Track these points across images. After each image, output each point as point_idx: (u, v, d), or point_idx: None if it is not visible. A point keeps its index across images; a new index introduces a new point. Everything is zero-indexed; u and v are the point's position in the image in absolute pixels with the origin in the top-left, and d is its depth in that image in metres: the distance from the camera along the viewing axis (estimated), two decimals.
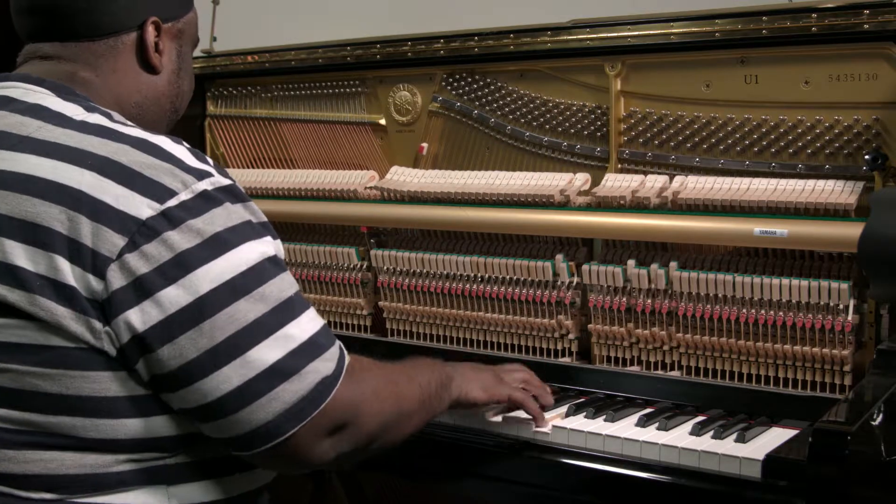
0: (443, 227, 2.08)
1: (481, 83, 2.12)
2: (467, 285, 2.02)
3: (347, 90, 2.32)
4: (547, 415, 1.67)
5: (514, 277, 1.96)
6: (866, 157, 1.68)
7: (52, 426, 1.20)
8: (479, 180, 2.04)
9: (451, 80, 2.15)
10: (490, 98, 2.11)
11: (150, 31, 1.41)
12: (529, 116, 2.06)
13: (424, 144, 2.20)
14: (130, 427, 1.22)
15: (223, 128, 2.53)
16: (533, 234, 1.97)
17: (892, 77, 1.67)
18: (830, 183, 1.70)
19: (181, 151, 1.26)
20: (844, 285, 1.64)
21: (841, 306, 1.65)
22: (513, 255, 1.99)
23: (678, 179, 1.84)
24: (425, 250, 2.09)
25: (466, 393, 1.56)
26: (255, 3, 3.09)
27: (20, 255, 1.18)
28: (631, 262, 1.84)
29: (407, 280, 2.10)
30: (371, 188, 2.18)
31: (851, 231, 1.59)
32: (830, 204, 1.68)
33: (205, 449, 1.29)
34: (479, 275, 2.01)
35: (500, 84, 2.09)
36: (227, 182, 1.26)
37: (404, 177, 2.15)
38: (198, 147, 1.30)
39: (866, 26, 1.65)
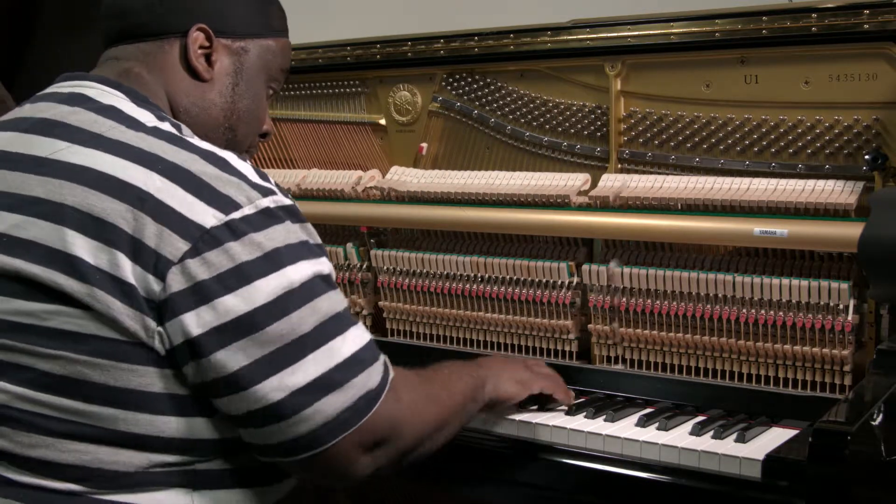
0: (443, 227, 2.08)
1: (481, 83, 2.12)
2: (467, 285, 2.02)
3: (347, 90, 2.32)
4: (545, 415, 1.68)
5: (514, 277, 1.96)
6: (866, 157, 1.68)
7: (95, 416, 1.22)
8: (479, 180, 2.04)
9: (451, 80, 2.15)
10: (490, 98, 2.11)
11: (195, 38, 1.43)
12: (529, 116, 2.06)
13: (424, 144, 2.20)
14: (169, 425, 1.24)
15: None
16: (533, 234, 1.97)
17: (892, 77, 1.67)
18: (830, 183, 1.70)
19: (247, 168, 1.30)
20: (844, 285, 1.64)
21: (841, 306, 1.65)
22: (513, 255, 1.99)
23: (678, 179, 1.84)
24: (425, 250, 2.09)
25: (499, 391, 1.59)
26: None
27: (82, 248, 1.21)
28: (613, 262, 1.84)
29: (407, 280, 2.10)
30: (371, 188, 2.19)
31: (851, 231, 1.59)
32: (830, 204, 1.68)
33: (234, 458, 1.30)
34: (480, 275, 2.01)
35: (500, 84, 2.09)
36: (288, 202, 1.30)
37: (404, 177, 2.15)
38: None
39: (866, 26, 1.65)
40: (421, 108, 2.22)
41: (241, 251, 1.22)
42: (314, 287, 1.27)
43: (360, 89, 2.30)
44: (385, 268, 2.13)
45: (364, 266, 2.20)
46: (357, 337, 1.29)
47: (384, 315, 2.17)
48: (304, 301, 1.25)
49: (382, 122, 2.28)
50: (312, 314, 1.25)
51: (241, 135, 1.52)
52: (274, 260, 1.24)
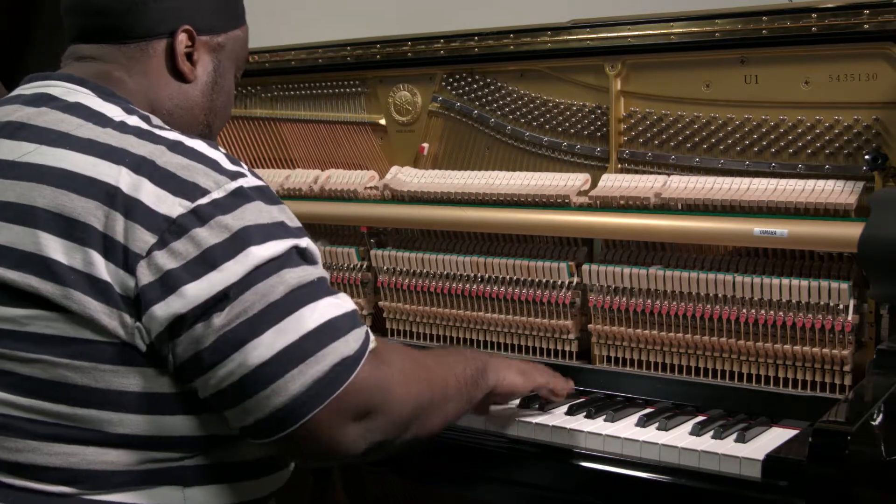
0: (443, 227, 2.08)
1: (481, 83, 2.12)
2: (467, 285, 2.02)
3: (347, 90, 2.32)
4: (545, 415, 1.68)
5: (514, 277, 1.96)
6: (866, 157, 1.68)
7: (79, 418, 1.21)
8: (479, 180, 2.04)
9: (451, 80, 2.15)
10: (490, 98, 2.11)
11: (181, 40, 1.41)
12: (529, 116, 2.06)
13: (425, 144, 2.20)
14: (154, 424, 1.23)
15: (223, 127, 2.52)
16: (533, 234, 1.97)
17: (892, 77, 1.67)
18: (830, 183, 1.70)
19: (217, 155, 1.28)
20: (844, 285, 1.64)
21: (841, 306, 1.65)
22: (513, 255, 1.99)
23: (677, 179, 1.84)
24: (425, 250, 2.09)
25: (504, 379, 1.54)
26: (256, 3, 3.09)
27: (56, 249, 1.20)
28: (629, 266, 1.84)
29: (407, 280, 2.10)
30: (371, 188, 2.19)
31: (851, 231, 1.59)
32: (830, 204, 1.68)
33: (222, 453, 1.30)
34: (479, 275, 2.01)
35: (500, 84, 2.10)
36: (259, 183, 1.28)
37: (404, 177, 2.15)
38: None
39: (866, 26, 1.65)
40: (421, 108, 2.22)
41: (208, 235, 1.20)
42: (285, 260, 1.24)
43: (360, 89, 2.30)
44: (385, 268, 2.13)
45: (364, 266, 2.20)
46: (331, 306, 1.25)
47: (384, 315, 2.17)
48: (272, 272, 1.22)
49: (382, 122, 2.28)
50: (280, 283, 1.22)
51: (214, 129, 1.51)
52: (242, 239, 1.22)
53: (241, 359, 1.20)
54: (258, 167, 2.46)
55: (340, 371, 1.23)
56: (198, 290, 1.19)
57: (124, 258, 1.19)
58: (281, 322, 1.21)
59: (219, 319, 1.20)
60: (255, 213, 1.24)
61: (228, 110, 1.53)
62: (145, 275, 1.19)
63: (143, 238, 1.19)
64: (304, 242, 1.29)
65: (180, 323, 1.20)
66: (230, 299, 1.20)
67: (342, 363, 1.23)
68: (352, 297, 2.20)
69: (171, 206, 1.20)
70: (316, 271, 1.28)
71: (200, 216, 1.21)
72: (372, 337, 1.30)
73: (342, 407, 1.23)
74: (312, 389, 1.21)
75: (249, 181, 1.27)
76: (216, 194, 1.23)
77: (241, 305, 1.20)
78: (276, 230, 1.25)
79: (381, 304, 2.16)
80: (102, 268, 1.19)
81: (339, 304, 1.27)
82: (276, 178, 2.32)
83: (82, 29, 1.41)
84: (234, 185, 1.24)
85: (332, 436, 1.23)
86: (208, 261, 1.20)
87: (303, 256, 1.27)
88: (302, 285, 1.24)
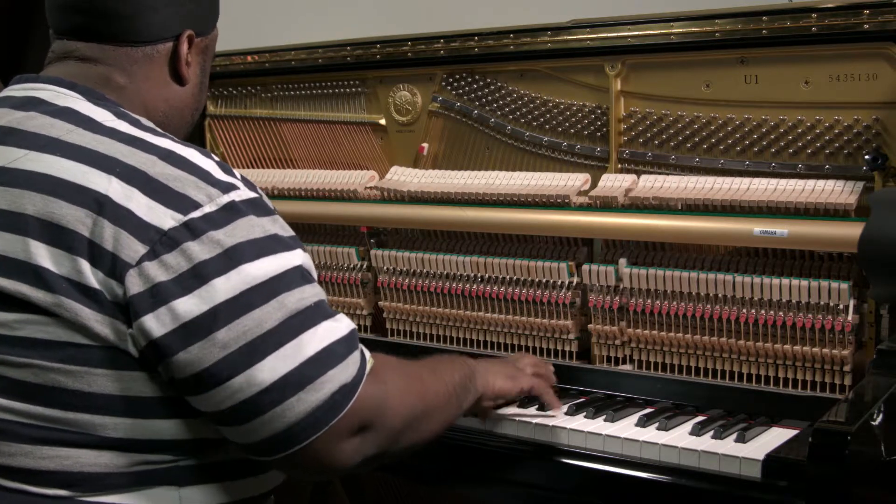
0: (443, 227, 2.09)
1: (481, 83, 2.12)
2: (467, 285, 2.02)
3: (347, 90, 2.32)
4: (545, 415, 1.68)
5: (514, 277, 1.97)
6: (866, 157, 1.68)
7: (72, 422, 1.21)
8: (479, 180, 2.04)
9: (451, 80, 2.15)
10: (490, 98, 2.11)
11: (185, 44, 1.42)
12: (529, 116, 2.06)
13: (424, 144, 2.20)
14: (148, 427, 1.23)
15: (223, 128, 2.53)
16: (533, 234, 1.97)
17: (892, 77, 1.67)
18: (830, 183, 1.70)
19: (209, 164, 1.27)
20: (844, 285, 1.64)
21: (841, 306, 1.65)
22: (513, 255, 1.99)
23: (677, 179, 1.84)
24: (425, 250, 2.09)
25: (492, 385, 1.55)
26: (255, 3, 3.10)
27: (45, 257, 1.20)
28: (623, 261, 1.84)
29: (407, 280, 2.10)
30: (371, 188, 2.19)
31: (851, 231, 1.59)
32: (830, 204, 1.68)
33: (216, 453, 1.29)
34: (479, 275, 2.01)
35: (500, 84, 2.10)
36: (252, 195, 1.27)
37: (404, 177, 2.15)
38: None
39: (866, 26, 1.65)
40: (421, 108, 2.22)
41: (200, 250, 1.20)
42: (281, 281, 1.23)
43: (360, 89, 2.30)
44: (385, 268, 2.13)
45: (364, 266, 2.20)
46: (330, 329, 1.25)
47: (384, 315, 2.17)
48: (270, 296, 1.21)
49: (382, 122, 2.28)
50: (278, 309, 1.21)
51: (193, 123, 1.52)
52: (233, 257, 1.21)
53: (240, 384, 1.19)
54: (258, 167, 2.46)
55: (339, 399, 1.23)
56: (188, 306, 1.18)
57: (112, 266, 1.18)
58: (280, 348, 1.21)
59: (216, 342, 1.19)
60: (247, 229, 1.23)
61: (202, 107, 1.54)
62: (135, 284, 1.18)
63: (134, 247, 1.18)
64: (300, 257, 1.28)
65: (172, 340, 1.19)
66: (224, 320, 1.19)
67: (340, 391, 1.23)
68: (352, 297, 2.21)
69: (163, 218, 1.20)
70: (313, 292, 1.27)
71: (192, 230, 1.20)
72: (368, 356, 1.30)
73: (340, 429, 1.23)
74: (311, 417, 1.21)
75: (242, 194, 1.25)
76: (208, 208, 1.22)
77: (240, 329, 1.19)
78: (269, 244, 1.24)
79: (381, 304, 2.16)
80: (91, 276, 1.18)
81: (337, 328, 1.26)
82: (275, 178, 2.32)
83: (83, 28, 1.38)
84: (226, 199, 1.23)
85: (328, 453, 1.24)
86: (199, 276, 1.19)
87: (300, 274, 1.26)
88: (300, 310, 1.23)
